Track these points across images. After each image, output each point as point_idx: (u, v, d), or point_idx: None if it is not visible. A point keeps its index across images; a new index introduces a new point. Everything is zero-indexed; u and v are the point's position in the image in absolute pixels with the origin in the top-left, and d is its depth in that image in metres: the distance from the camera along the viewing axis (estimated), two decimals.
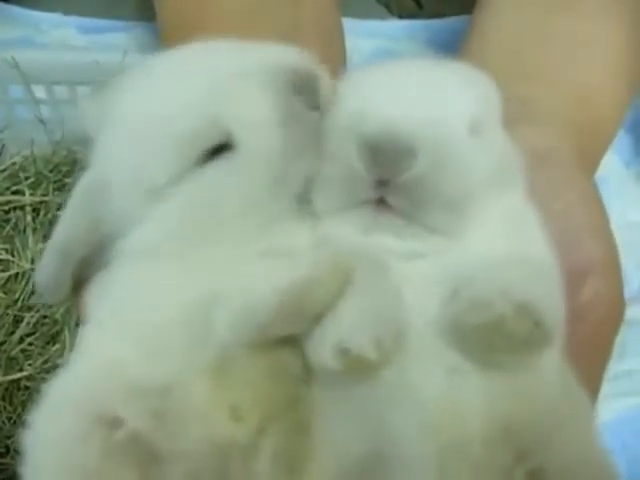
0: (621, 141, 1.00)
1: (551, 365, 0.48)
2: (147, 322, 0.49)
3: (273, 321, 0.46)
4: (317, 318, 0.46)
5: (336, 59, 0.78)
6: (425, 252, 0.49)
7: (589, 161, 0.69)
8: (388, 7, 1.28)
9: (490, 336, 0.45)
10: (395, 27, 1.24)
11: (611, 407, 0.77)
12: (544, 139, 0.61)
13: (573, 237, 0.56)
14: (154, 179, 0.50)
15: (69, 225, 0.53)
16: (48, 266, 0.52)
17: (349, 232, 0.50)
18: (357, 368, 0.44)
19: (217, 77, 0.51)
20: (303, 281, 0.46)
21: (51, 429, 0.46)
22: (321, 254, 0.48)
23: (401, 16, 1.27)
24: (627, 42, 0.74)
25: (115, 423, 0.45)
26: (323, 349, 0.45)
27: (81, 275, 0.53)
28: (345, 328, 0.44)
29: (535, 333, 0.44)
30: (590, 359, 0.53)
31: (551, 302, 0.46)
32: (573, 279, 0.51)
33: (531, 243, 0.52)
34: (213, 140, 0.50)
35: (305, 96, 0.51)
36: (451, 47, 0.84)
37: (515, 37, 0.74)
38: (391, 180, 0.48)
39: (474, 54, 0.73)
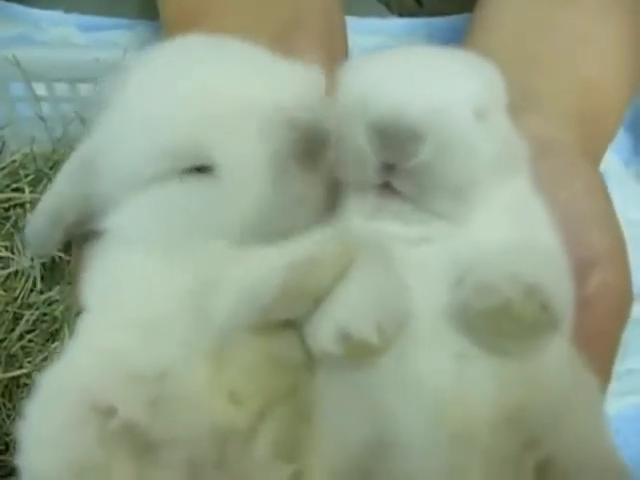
0: (620, 140, 1.00)
1: (559, 352, 0.48)
2: (144, 309, 0.49)
3: (276, 302, 0.46)
4: (317, 301, 0.47)
5: (339, 52, 0.78)
6: (430, 237, 0.50)
7: (593, 151, 0.69)
8: (388, 5, 1.28)
9: (497, 320, 0.45)
10: (395, 25, 1.24)
11: (613, 405, 0.78)
12: (548, 129, 0.61)
13: (579, 226, 0.56)
14: (135, 173, 0.51)
15: (60, 191, 0.55)
16: (37, 225, 0.55)
17: (354, 217, 0.50)
18: (358, 353, 0.44)
19: (217, 101, 0.50)
20: (306, 261, 0.46)
21: (46, 420, 0.46)
22: (324, 236, 0.48)
23: (401, 14, 1.27)
24: (627, 40, 0.74)
25: (109, 412, 0.46)
26: (324, 333, 0.45)
27: (74, 235, 0.55)
28: (347, 312, 0.45)
29: (542, 316, 0.44)
30: (598, 349, 0.53)
31: (558, 286, 0.46)
32: (580, 269, 0.51)
33: (536, 229, 0.52)
34: (194, 161, 0.50)
35: (304, 160, 0.49)
36: (451, 45, 0.85)
37: (518, 30, 0.74)
38: (398, 165, 0.48)
39: (477, 47, 0.73)
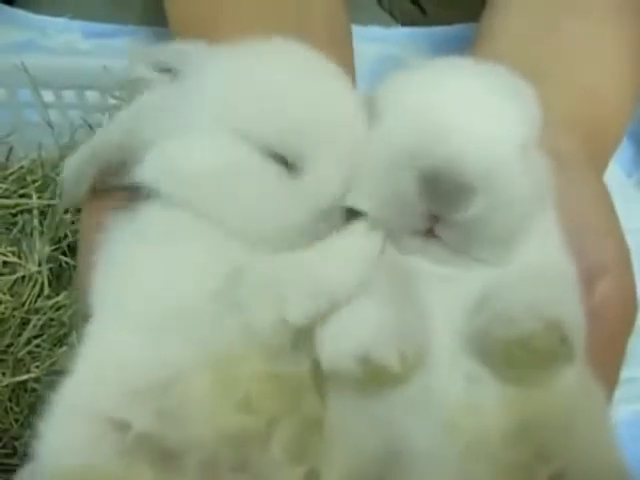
0: (623, 151, 1.01)
1: (571, 373, 0.48)
2: (157, 312, 0.49)
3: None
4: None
5: (345, 58, 0.78)
6: (460, 275, 0.49)
7: (598, 161, 0.69)
8: (392, 14, 1.29)
9: (514, 351, 0.44)
10: (399, 34, 1.24)
11: (613, 413, 0.78)
12: (554, 139, 0.61)
13: (585, 237, 0.56)
14: (227, 116, 0.51)
15: (110, 131, 0.55)
16: (76, 161, 0.55)
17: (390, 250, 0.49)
18: (376, 378, 0.44)
19: (309, 105, 0.51)
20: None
21: (63, 435, 0.47)
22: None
23: (405, 23, 1.27)
24: (632, 49, 0.75)
25: (123, 426, 0.46)
26: (343, 352, 0.44)
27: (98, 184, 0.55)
28: (370, 335, 0.44)
29: (561, 349, 0.44)
30: (603, 358, 0.53)
31: (577, 318, 0.47)
32: (586, 278, 0.52)
33: (558, 254, 0.52)
34: (282, 146, 0.50)
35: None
36: (455, 54, 0.85)
37: (523, 39, 0.75)
38: (445, 216, 0.47)
39: (483, 55, 0.74)
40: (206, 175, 0.50)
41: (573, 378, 0.48)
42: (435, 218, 0.47)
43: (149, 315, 0.49)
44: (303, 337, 0.48)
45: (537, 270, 0.49)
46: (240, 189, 0.50)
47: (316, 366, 0.48)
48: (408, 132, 0.48)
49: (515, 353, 0.45)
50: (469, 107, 0.48)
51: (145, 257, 0.50)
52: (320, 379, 0.49)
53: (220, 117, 0.51)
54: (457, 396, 0.46)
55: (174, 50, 0.57)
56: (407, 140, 0.48)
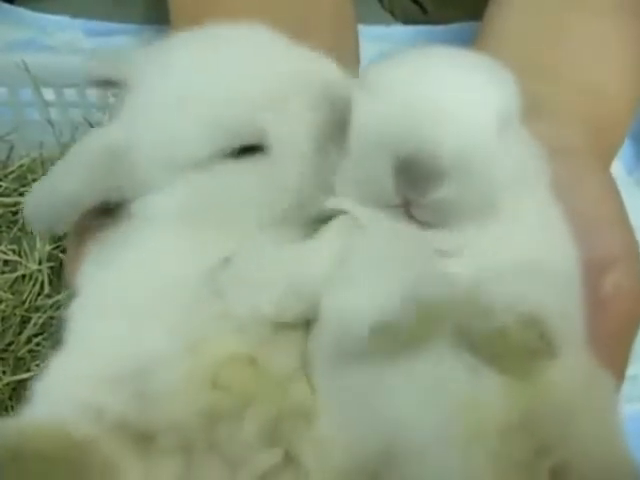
0: (624, 148, 1.00)
1: (571, 362, 0.48)
2: (138, 296, 0.49)
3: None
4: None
5: (350, 49, 0.78)
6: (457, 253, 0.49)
7: (603, 156, 0.69)
8: (393, 13, 1.29)
9: (495, 345, 0.45)
10: (400, 33, 1.25)
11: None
12: (558, 135, 0.61)
13: (593, 229, 0.56)
14: (181, 156, 0.51)
15: (81, 178, 0.50)
16: (41, 200, 0.51)
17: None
18: (392, 342, 0.44)
19: (269, 79, 0.51)
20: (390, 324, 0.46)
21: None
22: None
23: (406, 22, 1.27)
24: (636, 46, 0.75)
25: (101, 411, 0.46)
26: (356, 321, 0.44)
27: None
28: (386, 298, 0.44)
29: (539, 345, 0.44)
30: (611, 351, 0.53)
31: (562, 312, 0.46)
32: (594, 271, 0.52)
33: (551, 244, 0.52)
34: (248, 138, 0.50)
35: (338, 144, 0.51)
36: None
37: (527, 35, 0.75)
38: (416, 199, 0.48)
39: (486, 53, 0.74)
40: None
41: (573, 370, 0.48)
42: (407, 200, 0.48)
43: (127, 301, 0.49)
44: (289, 329, 0.49)
45: (524, 264, 0.49)
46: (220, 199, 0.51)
47: (306, 357, 0.49)
48: (384, 116, 0.49)
49: (496, 348, 0.45)
50: (445, 90, 0.49)
51: (124, 246, 0.51)
52: (311, 370, 0.49)
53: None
54: (460, 388, 0.46)
55: (115, 62, 0.56)
56: (383, 123, 0.49)
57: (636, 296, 0.58)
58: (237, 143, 0.50)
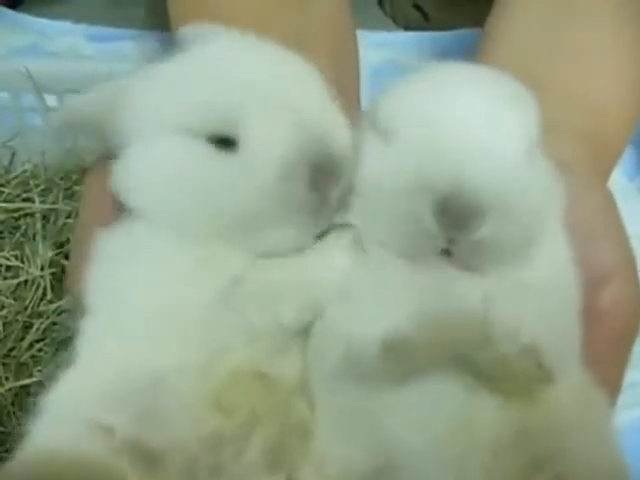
0: (625, 156, 1.00)
1: (567, 379, 0.49)
2: (149, 315, 0.49)
3: None
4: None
5: (348, 55, 0.78)
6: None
7: (602, 169, 0.70)
8: (394, 19, 1.29)
9: (493, 370, 0.46)
10: (402, 39, 1.25)
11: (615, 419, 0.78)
12: (557, 147, 0.60)
13: (591, 243, 0.56)
14: (162, 117, 0.52)
15: (90, 104, 0.55)
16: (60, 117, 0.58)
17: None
18: (402, 361, 0.45)
19: (260, 86, 0.51)
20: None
21: (53, 436, 0.47)
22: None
23: (407, 28, 1.28)
24: (636, 60, 0.75)
25: (110, 430, 0.46)
26: (364, 339, 0.45)
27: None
28: (395, 318, 0.45)
29: (536, 374, 0.46)
30: (608, 364, 0.54)
31: (560, 334, 0.47)
32: (592, 284, 0.52)
33: (557, 267, 0.52)
34: (222, 127, 0.50)
35: (316, 176, 0.50)
36: (457, 59, 0.86)
37: (527, 48, 0.75)
38: (459, 238, 0.47)
39: (487, 64, 0.74)
40: (158, 179, 0.52)
41: (568, 387, 0.49)
42: (450, 239, 0.47)
43: (137, 319, 0.49)
44: (293, 342, 0.49)
45: (527, 287, 0.49)
46: (192, 186, 0.51)
47: (305, 371, 0.50)
48: (418, 156, 0.48)
49: (496, 373, 0.46)
50: (476, 123, 0.48)
51: (133, 260, 0.51)
52: (309, 385, 0.50)
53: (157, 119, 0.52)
54: (456, 406, 0.47)
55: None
56: (418, 164, 0.48)
57: (633, 309, 0.58)
58: (210, 126, 0.50)
